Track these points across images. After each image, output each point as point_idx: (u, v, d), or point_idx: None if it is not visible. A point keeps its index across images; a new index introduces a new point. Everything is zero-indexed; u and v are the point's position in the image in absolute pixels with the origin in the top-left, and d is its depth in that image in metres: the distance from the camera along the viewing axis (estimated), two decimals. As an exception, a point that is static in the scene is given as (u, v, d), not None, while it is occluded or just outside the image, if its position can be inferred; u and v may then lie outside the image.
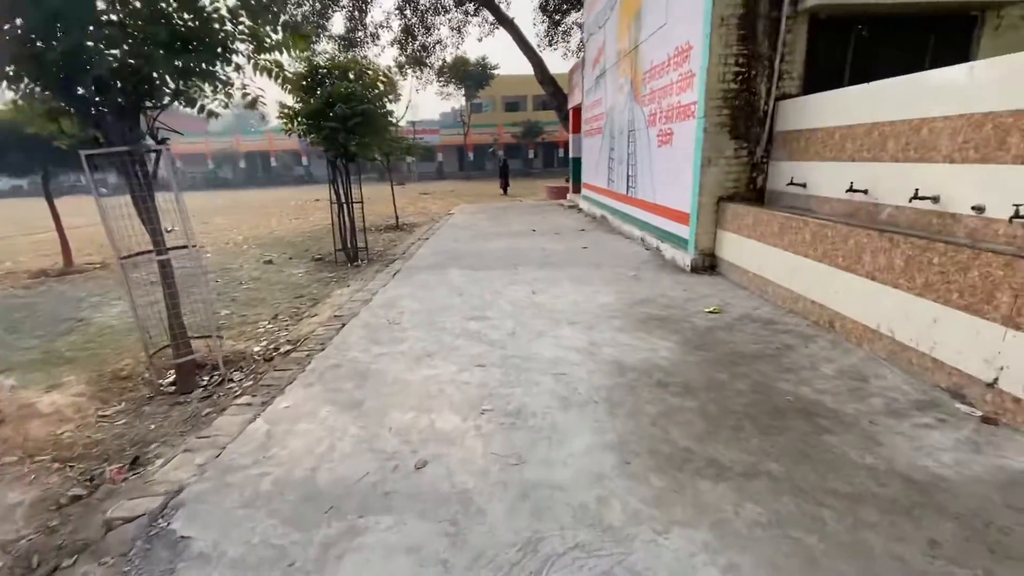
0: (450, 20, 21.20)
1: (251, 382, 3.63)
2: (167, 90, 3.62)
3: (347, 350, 3.92)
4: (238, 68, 3.91)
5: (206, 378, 3.80)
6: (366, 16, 19.30)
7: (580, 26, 21.97)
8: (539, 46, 20.78)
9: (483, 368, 3.47)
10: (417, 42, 21.65)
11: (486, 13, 20.42)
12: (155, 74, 3.42)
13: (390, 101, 7.90)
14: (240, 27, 3.59)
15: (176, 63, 3.35)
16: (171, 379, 3.83)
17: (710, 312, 4.47)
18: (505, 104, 43.28)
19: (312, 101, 7.14)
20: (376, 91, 7.61)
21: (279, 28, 3.69)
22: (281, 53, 3.96)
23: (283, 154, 41.41)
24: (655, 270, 6.19)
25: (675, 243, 6.59)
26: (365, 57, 20.34)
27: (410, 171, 40.57)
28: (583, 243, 8.23)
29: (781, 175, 5.28)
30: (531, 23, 21.03)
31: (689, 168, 5.98)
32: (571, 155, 15.50)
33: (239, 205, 22.08)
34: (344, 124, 7.23)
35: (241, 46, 3.79)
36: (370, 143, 8.06)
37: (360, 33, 19.68)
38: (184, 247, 3.84)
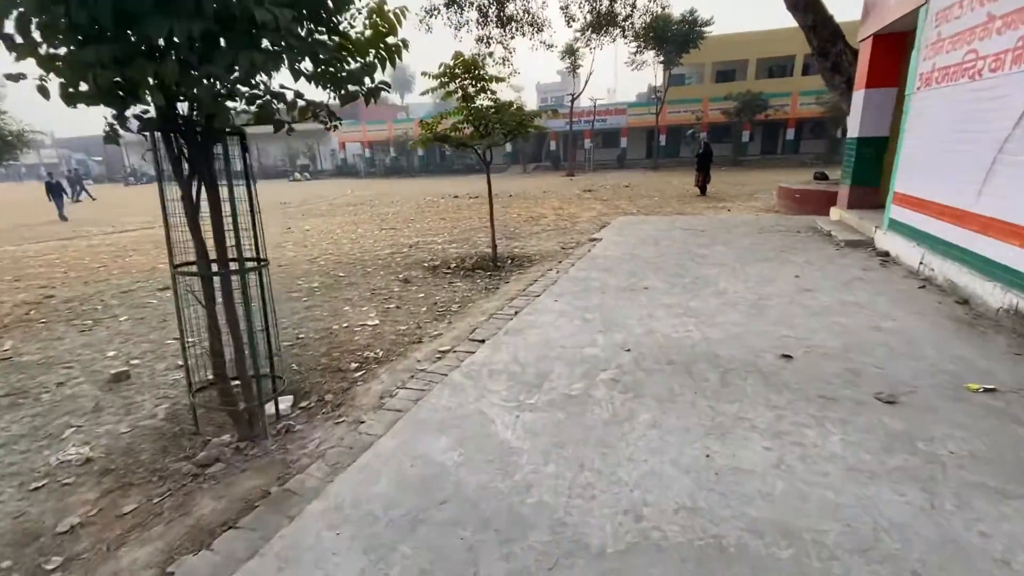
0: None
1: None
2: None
3: None
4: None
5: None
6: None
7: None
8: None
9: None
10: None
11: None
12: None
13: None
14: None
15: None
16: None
17: None
18: (716, 73, 34.17)
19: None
20: None
21: None
22: None
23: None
24: None
25: None
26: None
27: (587, 159, 34.85)
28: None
29: None
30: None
31: None
32: (852, 133, 7.94)
33: (376, 199, 19.28)
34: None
35: None
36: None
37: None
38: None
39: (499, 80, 6.29)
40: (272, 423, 3.12)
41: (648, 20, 21.54)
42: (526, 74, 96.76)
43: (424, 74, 6.14)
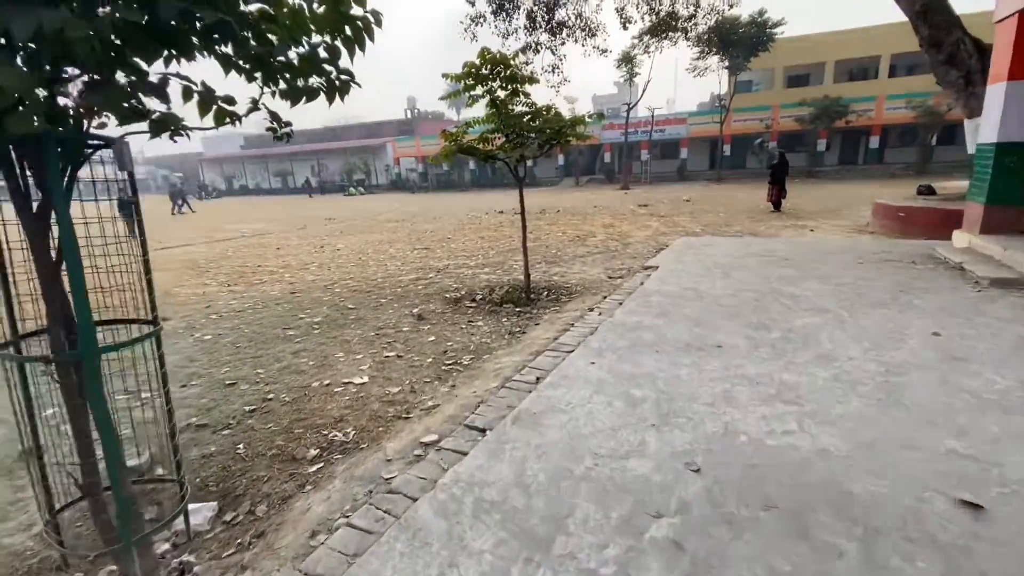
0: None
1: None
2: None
3: None
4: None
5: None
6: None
7: None
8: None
9: None
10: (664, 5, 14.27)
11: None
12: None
13: None
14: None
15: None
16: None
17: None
18: (787, 78, 31.65)
19: None
20: None
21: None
22: None
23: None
24: None
25: None
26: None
27: (644, 171, 33.21)
28: None
29: None
30: None
31: None
32: (987, 139, 6.24)
33: (419, 215, 18.80)
34: None
35: None
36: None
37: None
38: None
39: (533, 81, 5.27)
40: (182, 545, 2.22)
41: (713, 22, 19.97)
42: (581, 86, 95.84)
43: (445, 75, 5.23)
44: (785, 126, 29.49)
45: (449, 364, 3.94)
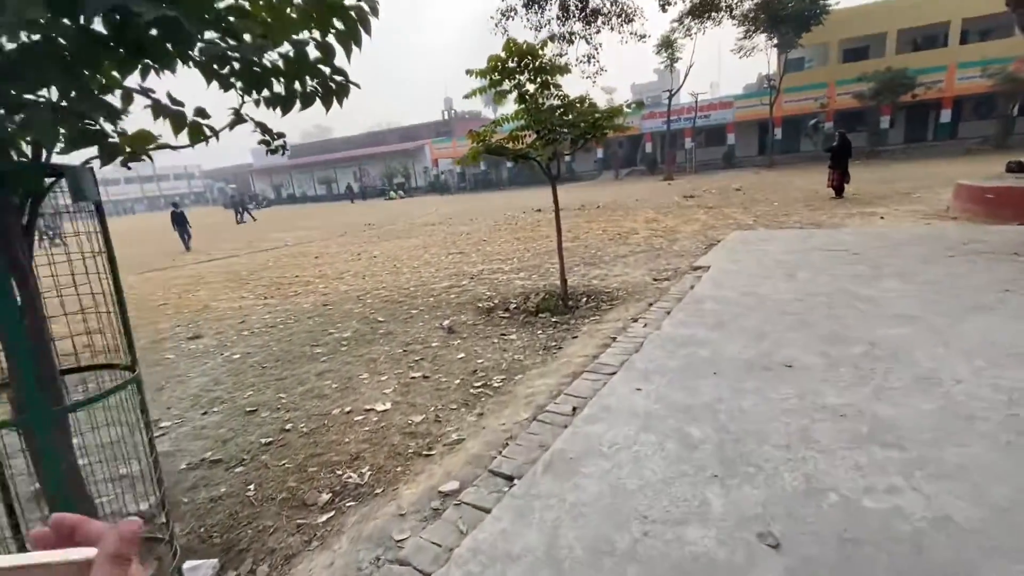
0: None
1: None
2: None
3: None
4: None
5: None
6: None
7: None
8: None
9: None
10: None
11: None
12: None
13: None
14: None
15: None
16: None
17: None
18: (844, 52, 29.48)
19: None
20: None
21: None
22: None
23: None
24: None
25: None
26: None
27: (688, 160, 31.87)
28: None
29: None
30: None
31: None
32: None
33: (456, 217, 18.66)
34: None
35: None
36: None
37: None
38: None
39: (564, 71, 4.85)
40: (178, 611, 1.98)
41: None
42: (619, 75, 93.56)
43: (469, 72, 4.89)
44: (842, 104, 27.46)
45: (478, 386, 3.60)
